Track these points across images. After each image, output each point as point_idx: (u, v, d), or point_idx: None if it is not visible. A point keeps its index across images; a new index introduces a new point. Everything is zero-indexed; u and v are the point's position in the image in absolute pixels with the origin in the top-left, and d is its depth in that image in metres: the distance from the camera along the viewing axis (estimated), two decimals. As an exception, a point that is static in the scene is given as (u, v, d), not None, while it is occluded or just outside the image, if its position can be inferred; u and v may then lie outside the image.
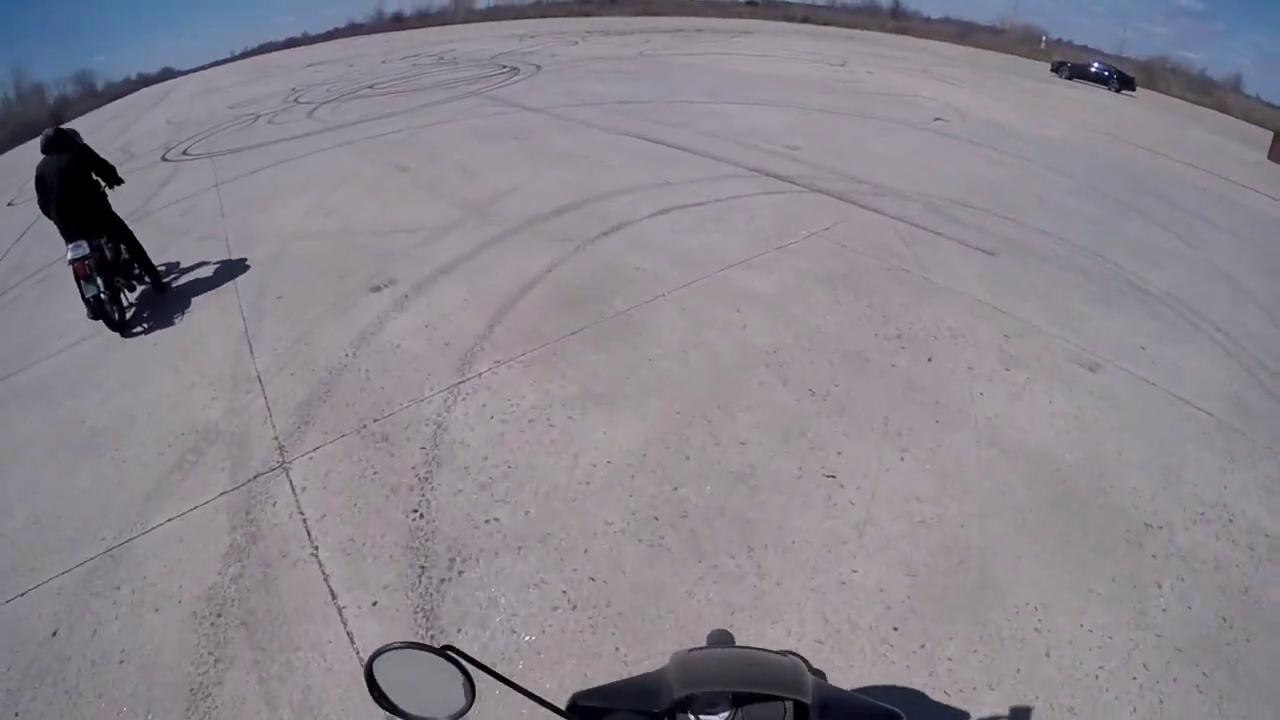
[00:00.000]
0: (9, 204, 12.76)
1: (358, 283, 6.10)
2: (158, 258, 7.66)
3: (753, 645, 1.05)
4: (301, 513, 3.80)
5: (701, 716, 0.88)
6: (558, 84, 14.17)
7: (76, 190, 5.89)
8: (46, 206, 5.92)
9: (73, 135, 5.99)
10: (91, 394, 5.34)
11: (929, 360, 4.71)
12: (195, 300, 6.40)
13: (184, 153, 14.28)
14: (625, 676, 0.96)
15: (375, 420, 4.36)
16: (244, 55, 42.39)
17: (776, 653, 0.95)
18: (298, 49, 37.88)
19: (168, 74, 47.70)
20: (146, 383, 5.32)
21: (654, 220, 6.62)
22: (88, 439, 4.68)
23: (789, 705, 0.88)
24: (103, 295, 5.91)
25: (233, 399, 4.81)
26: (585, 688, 0.94)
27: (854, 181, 7.55)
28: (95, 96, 40.76)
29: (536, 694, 0.95)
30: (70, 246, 5.77)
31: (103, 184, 6.20)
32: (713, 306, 5.25)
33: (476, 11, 43.74)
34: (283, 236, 7.57)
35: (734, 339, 4.89)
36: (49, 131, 5.94)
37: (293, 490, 3.95)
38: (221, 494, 4.03)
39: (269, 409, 4.63)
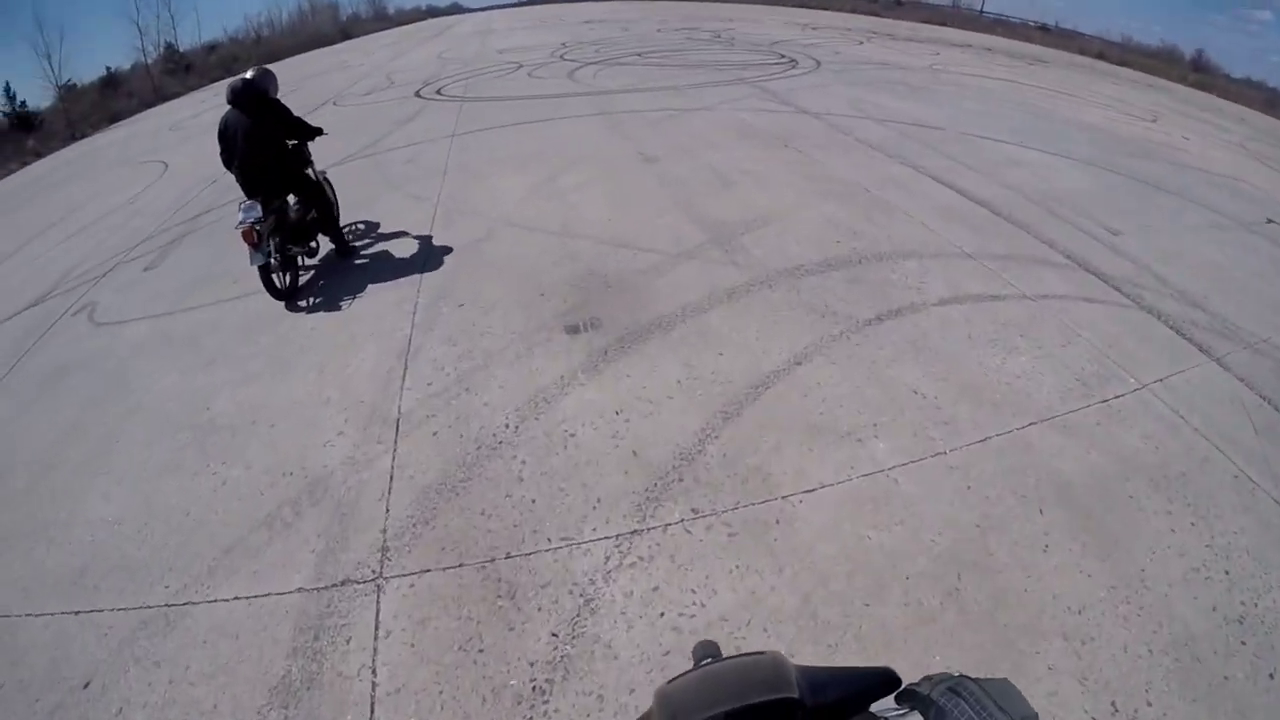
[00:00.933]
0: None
1: (555, 311, 4.94)
2: (366, 208, 7.21)
3: (731, 655, 0.95)
4: (374, 673, 2.71)
5: None
6: (839, 87, 12.31)
7: (261, 149, 5.31)
8: (229, 161, 5.38)
9: (264, 87, 5.37)
10: (229, 370, 4.77)
11: None
12: (372, 285, 5.69)
13: (438, 91, 14.09)
14: None
15: (508, 556, 3.10)
16: (531, 1, 43.36)
17: (753, 654, 0.92)
18: (582, 2, 38.01)
19: (455, 9, 50.16)
20: (285, 377, 4.58)
21: (944, 311, 4.80)
22: (203, 433, 4.14)
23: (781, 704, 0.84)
24: (273, 260, 5.31)
25: (359, 443, 3.83)
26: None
27: (1188, 303, 5.20)
28: (384, 20, 43.37)
29: None
30: (242, 208, 5.15)
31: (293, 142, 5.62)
32: (1010, 501, 3.39)
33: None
34: (494, 217, 6.74)
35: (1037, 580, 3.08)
36: (236, 82, 5.32)
37: (375, 630, 2.88)
38: (299, 590, 3.08)
39: (391, 478, 3.57)
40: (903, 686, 0.89)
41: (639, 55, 17.05)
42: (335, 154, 9.88)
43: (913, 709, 0.88)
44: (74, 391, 4.82)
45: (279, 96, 5.46)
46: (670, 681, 0.90)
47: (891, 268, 5.43)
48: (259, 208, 5.12)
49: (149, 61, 32.51)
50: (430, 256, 5.98)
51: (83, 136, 21.72)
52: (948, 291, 5.09)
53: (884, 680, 0.89)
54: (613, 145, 8.77)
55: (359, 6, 45.24)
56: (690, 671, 0.93)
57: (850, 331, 4.62)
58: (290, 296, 5.50)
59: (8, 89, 32.35)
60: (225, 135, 5.24)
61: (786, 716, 0.84)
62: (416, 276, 5.65)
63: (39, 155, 20.33)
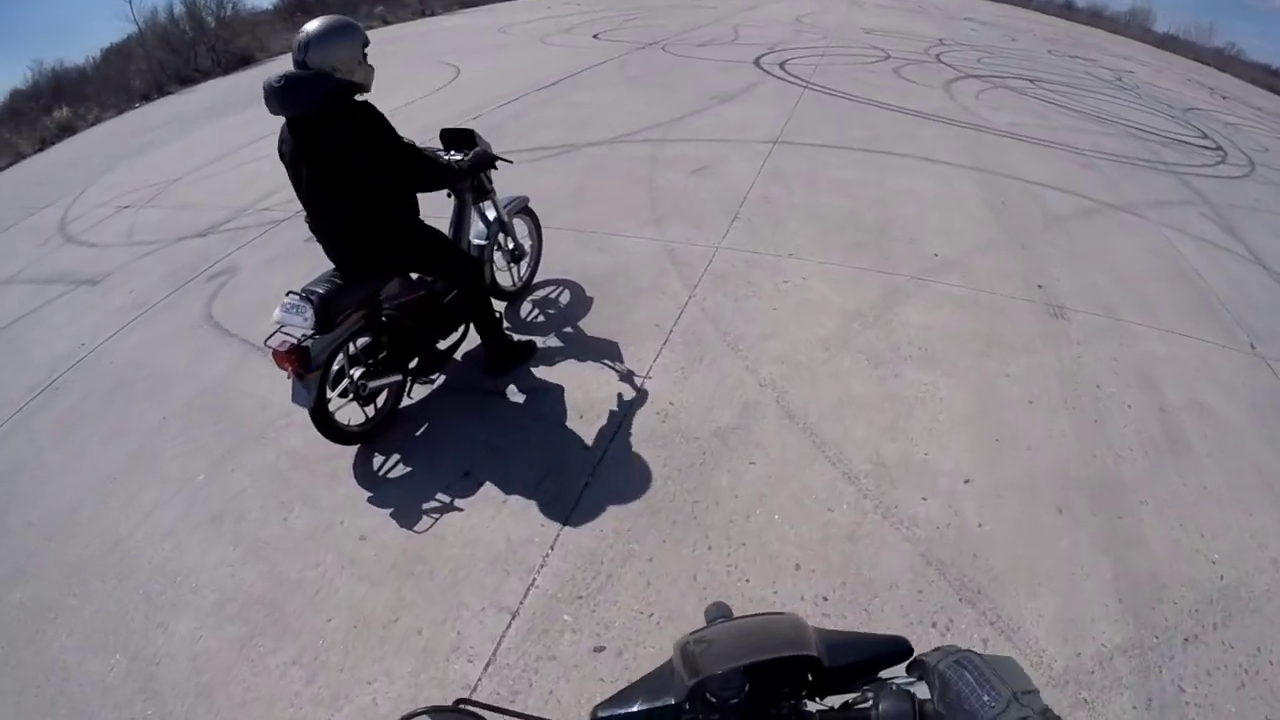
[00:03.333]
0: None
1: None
2: (588, 248, 5.25)
3: (748, 613, 0.98)
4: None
5: (720, 695, 0.88)
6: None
7: (331, 190, 3.08)
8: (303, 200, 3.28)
9: (329, 61, 2.91)
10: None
11: None
12: (517, 436, 3.57)
13: (782, 65, 11.62)
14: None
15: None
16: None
17: (772, 614, 0.97)
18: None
19: None
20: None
21: None
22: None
23: (798, 660, 0.90)
24: (329, 397, 3.25)
25: None
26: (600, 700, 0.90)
27: None
28: None
29: None
30: (284, 305, 3.06)
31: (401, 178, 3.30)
32: None
33: (1149, 31, 33.91)
34: (763, 370, 4.05)
35: None
36: (275, 82, 2.90)
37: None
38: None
39: None
40: (913, 657, 0.90)
41: (1030, 82, 13.28)
42: (608, 128, 8.02)
43: (920, 679, 0.86)
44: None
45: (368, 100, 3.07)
46: (691, 634, 0.93)
47: None
48: (312, 309, 2.98)
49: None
50: (642, 407, 3.74)
51: (430, 14, 22.44)
52: None
53: (896, 649, 0.92)
54: (996, 255, 5.41)
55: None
56: (710, 626, 0.95)
57: None
58: (362, 437, 3.51)
59: None
60: (283, 155, 3.14)
61: (805, 674, 0.90)
62: (592, 451, 3.45)
63: (385, 22, 21.27)
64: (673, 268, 4.96)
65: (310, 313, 2.98)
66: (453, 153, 3.77)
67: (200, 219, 7.09)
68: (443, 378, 3.93)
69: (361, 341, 3.33)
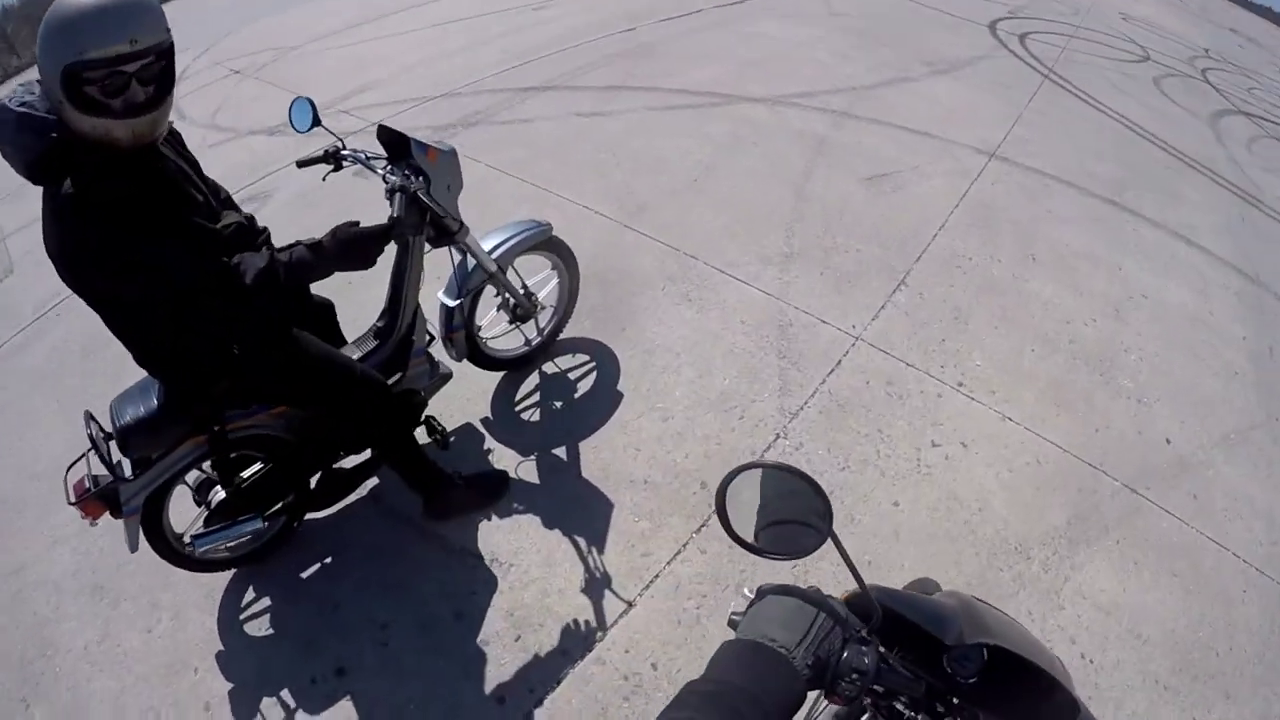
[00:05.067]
0: None
1: None
2: (649, 287, 3.80)
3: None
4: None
5: (962, 663, 1.00)
6: None
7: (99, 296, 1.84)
8: None
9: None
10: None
11: None
12: (423, 635, 2.44)
13: (1023, 38, 9.27)
14: None
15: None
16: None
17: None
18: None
19: None
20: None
21: None
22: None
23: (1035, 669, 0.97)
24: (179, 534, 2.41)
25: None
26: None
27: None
28: None
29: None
30: (88, 424, 2.15)
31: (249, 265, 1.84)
32: None
33: None
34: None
35: None
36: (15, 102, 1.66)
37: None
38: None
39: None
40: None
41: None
42: (781, 80, 6.34)
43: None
44: None
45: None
46: (976, 599, 1.07)
47: None
48: (132, 437, 2.03)
49: None
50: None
51: None
52: None
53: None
54: (1256, 458, 3.37)
55: None
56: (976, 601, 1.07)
57: None
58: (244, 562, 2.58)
59: None
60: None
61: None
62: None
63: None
64: (776, 361, 3.35)
65: (109, 450, 2.08)
66: (388, 168, 2.38)
67: (279, 108, 6.16)
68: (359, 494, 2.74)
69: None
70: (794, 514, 0.98)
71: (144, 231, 1.66)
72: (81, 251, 1.68)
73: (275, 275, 1.82)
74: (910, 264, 4.11)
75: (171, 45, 1.66)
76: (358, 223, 1.94)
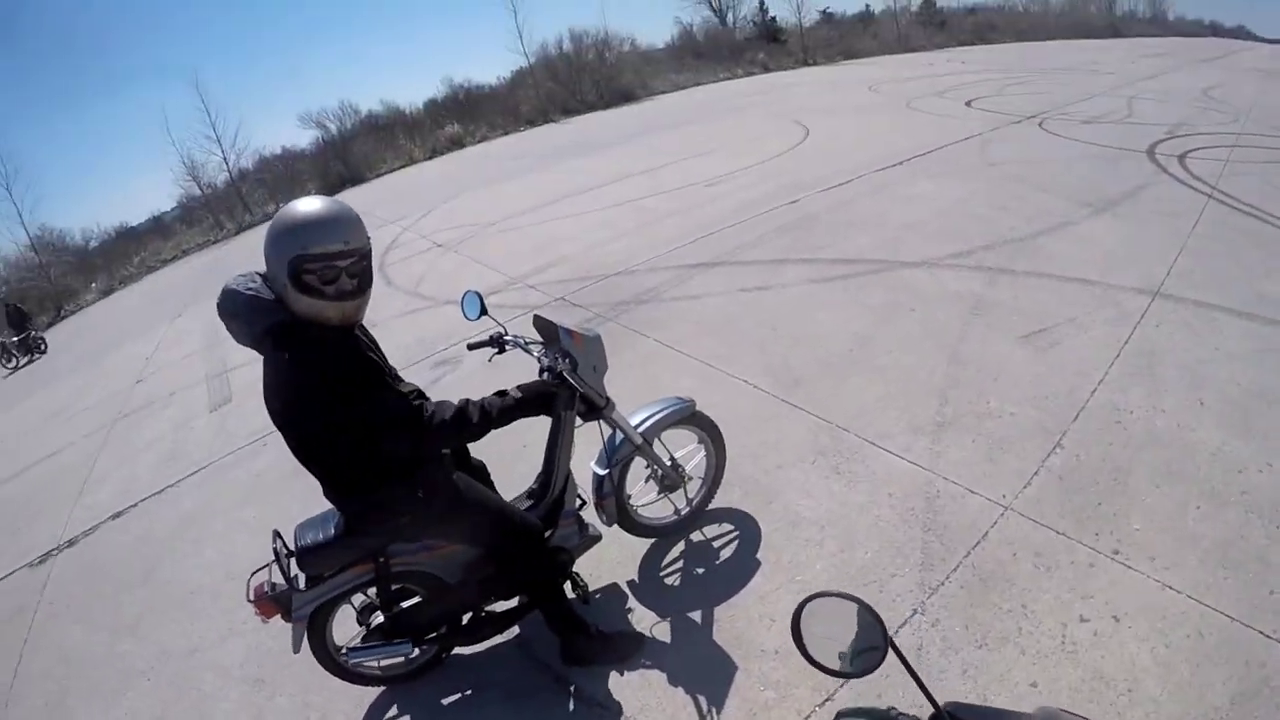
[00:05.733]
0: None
1: None
2: (799, 459, 4.06)
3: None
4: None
5: None
6: None
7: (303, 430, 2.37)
8: None
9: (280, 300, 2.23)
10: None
11: None
12: None
13: (1182, 157, 9.07)
14: None
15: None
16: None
17: None
18: None
19: (1243, 33, 38.19)
20: None
21: None
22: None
23: None
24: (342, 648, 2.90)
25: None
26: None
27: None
28: (1161, 25, 36.23)
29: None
30: (275, 548, 2.72)
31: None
32: None
33: None
34: None
35: None
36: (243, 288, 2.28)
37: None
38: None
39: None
40: None
41: None
42: (938, 240, 6.61)
43: None
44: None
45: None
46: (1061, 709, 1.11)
47: None
48: (309, 556, 2.52)
49: (899, 7, 34.25)
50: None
51: (811, 64, 23.52)
52: None
53: None
54: None
55: (1137, 4, 38.88)
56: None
57: None
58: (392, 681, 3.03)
59: (762, 2, 37.82)
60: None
61: None
62: None
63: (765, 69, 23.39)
64: (921, 534, 3.48)
65: (288, 565, 2.58)
66: (543, 351, 2.89)
67: (475, 281, 7.30)
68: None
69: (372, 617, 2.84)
70: (863, 639, 1.17)
71: (351, 386, 2.14)
72: (300, 404, 2.20)
73: (467, 415, 2.34)
74: (1067, 424, 4.13)
75: (370, 249, 2.21)
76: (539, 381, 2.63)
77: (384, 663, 2.87)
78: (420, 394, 2.33)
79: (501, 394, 2.50)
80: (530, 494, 3.00)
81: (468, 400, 2.40)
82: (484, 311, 3.01)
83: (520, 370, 3.84)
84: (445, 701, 2.97)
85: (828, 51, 29.30)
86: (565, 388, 2.70)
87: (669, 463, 3.26)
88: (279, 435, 2.35)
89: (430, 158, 25.74)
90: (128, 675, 3.85)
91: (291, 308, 2.14)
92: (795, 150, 11.80)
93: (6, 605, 5.09)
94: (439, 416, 2.28)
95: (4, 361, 18.10)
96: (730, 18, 43.38)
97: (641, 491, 3.41)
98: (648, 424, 3.13)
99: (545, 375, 2.72)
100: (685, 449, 3.44)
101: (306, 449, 2.32)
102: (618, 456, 3.09)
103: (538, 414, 2.68)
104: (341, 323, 2.20)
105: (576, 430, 2.95)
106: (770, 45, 33.78)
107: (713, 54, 32.23)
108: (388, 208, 10.89)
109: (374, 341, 2.47)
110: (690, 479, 3.40)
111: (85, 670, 4.05)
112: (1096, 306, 5.37)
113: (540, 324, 2.93)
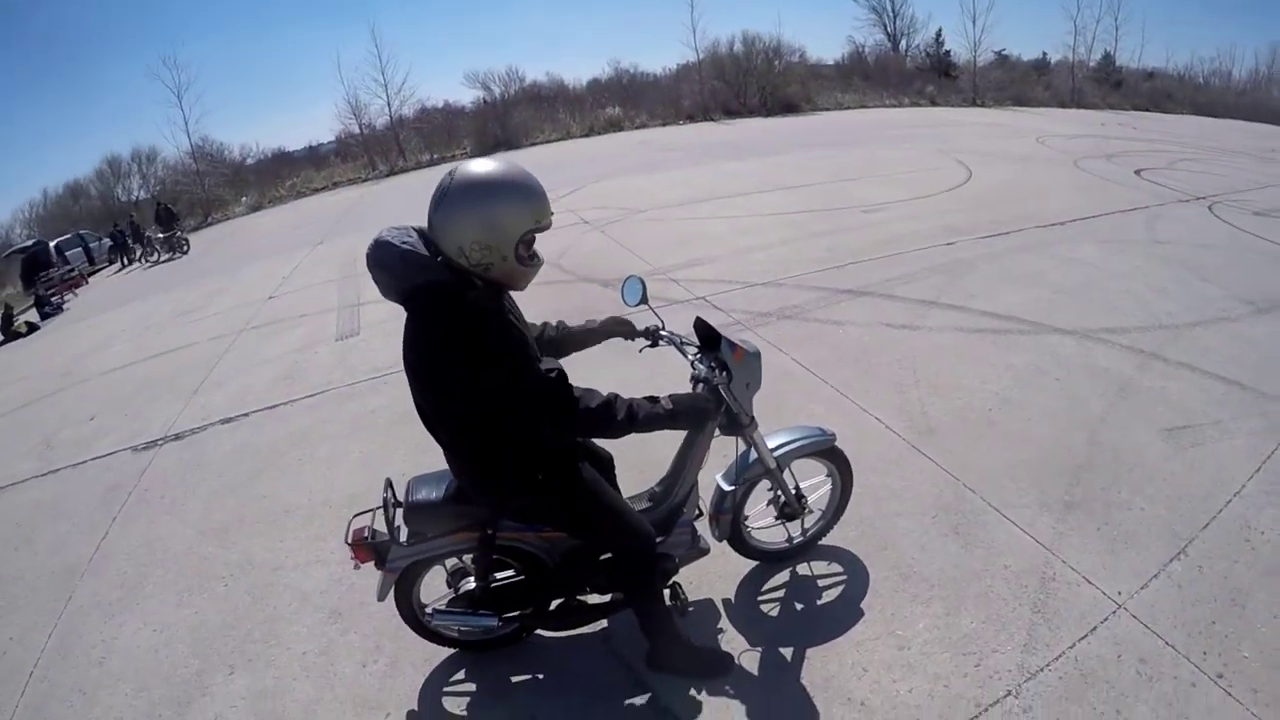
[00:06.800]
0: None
1: None
2: (922, 517, 4.01)
3: None
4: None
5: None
6: None
7: (432, 390, 2.38)
8: None
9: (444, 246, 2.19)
10: None
11: None
12: None
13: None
14: None
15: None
16: None
17: None
18: None
19: None
20: None
21: None
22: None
23: None
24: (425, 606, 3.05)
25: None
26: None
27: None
28: None
29: None
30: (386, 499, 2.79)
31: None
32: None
33: None
34: None
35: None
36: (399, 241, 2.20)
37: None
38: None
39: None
40: None
41: None
42: (1096, 311, 6.46)
43: None
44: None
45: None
46: None
47: None
48: (398, 514, 2.69)
49: (1077, 61, 32.72)
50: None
51: (980, 104, 23.54)
52: None
53: None
54: None
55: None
56: None
57: None
58: (470, 647, 3.10)
59: (939, 34, 37.01)
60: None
61: None
62: None
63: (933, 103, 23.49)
64: (1029, 614, 3.41)
65: (394, 515, 2.68)
66: (698, 356, 2.87)
67: (617, 263, 7.41)
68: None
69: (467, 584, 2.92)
70: None
71: (501, 356, 2.13)
72: (443, 366, 2.17)
73: (613, 410, 2.30)
74: (1195, 531, 3.99)
75: None
76: (694, 396, 2.61)
77: (464, 629, 2.92)
78: (563, 374, 2.27)
79: (653, 400, 2.43)
80: (651, 495, 2.99)
81: (616, 395, 2.35)
82: (644, 300, 2.91)
83: (629, 359, 3.97)
84: (515, 679, 3.01)
85: (998, 95, 28.38)
86: (715, 401, 2.69)
87: (794, 491, 3.24)
88: (401, 379, 2.40)
89: (586, 135, 26.41)
90: (205, 576, 4.14)
91: (489, 274, 2.20)
92: (956, 191, 11.50)
93: (104, 481, 5.64)
94: (583, 404, 2.25)
95: (148, 254, 19.87)
96: (904, 44, 42.60)
97: (759, 514, 3.41)
98: (785, 449, 3.10)
99: (698, 386, 2.72)
100: (811, 479, 3.44)
101: (436, 411, 2.33)
102: (746, 475, 3.05)
103: (685, 429, 2.70)
104: (523, 287, 2.32)
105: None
106: (940, 79, 32.93)
107: (881, 78, 31.82)
108: (539, 178, 11.32)
109: (519, 313, 2.46)
110: (810, 511, 3.38)
111: (165, 561, 4.40)
112: (1244, 413, 5.08)
113: (701, 327, 2.88)
